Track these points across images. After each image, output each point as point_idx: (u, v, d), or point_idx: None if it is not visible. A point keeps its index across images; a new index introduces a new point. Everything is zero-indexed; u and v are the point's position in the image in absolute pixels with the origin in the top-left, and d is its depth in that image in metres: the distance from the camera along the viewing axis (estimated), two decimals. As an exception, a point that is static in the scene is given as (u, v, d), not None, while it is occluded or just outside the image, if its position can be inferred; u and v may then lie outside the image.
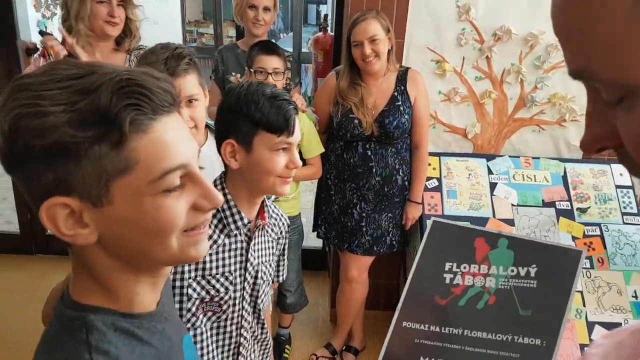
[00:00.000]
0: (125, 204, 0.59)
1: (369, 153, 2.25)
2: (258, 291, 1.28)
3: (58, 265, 3.17)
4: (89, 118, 0.55)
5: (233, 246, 1.21)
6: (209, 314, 1.21)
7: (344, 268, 2.43)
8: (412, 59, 2.42)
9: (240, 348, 1.28)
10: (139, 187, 0.59)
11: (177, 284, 1.15)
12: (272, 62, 2.09)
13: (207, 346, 1.23)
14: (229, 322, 1.25)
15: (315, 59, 3.49)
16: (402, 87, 2.24)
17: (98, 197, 0.58)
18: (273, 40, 2.45)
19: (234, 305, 1.23)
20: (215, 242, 1.18)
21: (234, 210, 1.19)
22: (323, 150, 2.30)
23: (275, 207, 1.37)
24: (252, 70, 2.12)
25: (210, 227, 1.17)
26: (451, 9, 2.35)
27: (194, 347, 0.88)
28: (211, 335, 1.24)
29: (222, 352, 1.27)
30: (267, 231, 1.30)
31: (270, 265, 1.32)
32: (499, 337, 0.76)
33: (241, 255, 1.22)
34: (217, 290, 1.19)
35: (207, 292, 1.18)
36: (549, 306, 0.75)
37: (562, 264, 0.78)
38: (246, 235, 1.23)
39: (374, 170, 2.27)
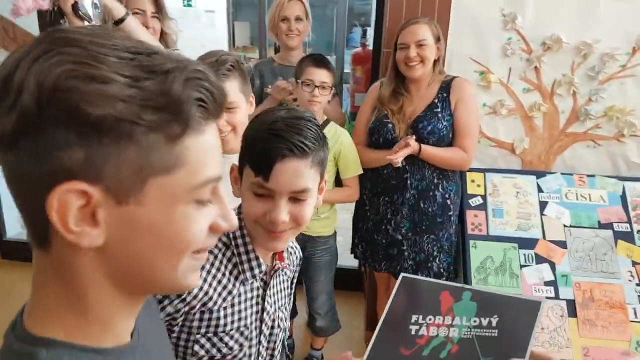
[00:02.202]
0: (157, 207, 0.50)
1: (404, 163, 2.14)
2: (275, 342, 1.12)
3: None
4: (155, 100, 0.47)
5: (249, 295, 1.02)
6: None
7: None
8: (454, 70, 2.31)
9: None
10: (178, 190, 0.51)
11: (183, 336, 0.98)
12: (321, 76, 2.05)
13: None
14: None
15: (353, 74, 3.43)
16: (445, 95, 2.12)
17: (128, 192, 0.49)
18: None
19: None
20: (230, 292, 0.99)
21: (252, 255, 1.00)
22: (361, 171, 2.19)
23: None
24: (299, 81, 2.08)
25: (225, 274, 1.00)
26: (496, 18, 2.24)
27: None
28: None
29: None
30: (283, 271, 1.11)
31: (286, 309, 1.14)
32: None
33: (257, 304, 1.04)
34: (231, 348, 1.01)
35: (219, 350, 1.00)
36: (510, 353, 0.78)
37: (522, 314, 0.83)
38: (262, 280, 1.04)
39: (409, 182, 2.15)
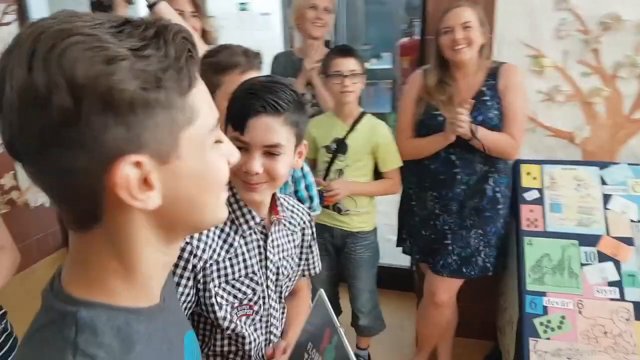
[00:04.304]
0: (193, 157, 0.57)
1: (453, 157, 2.03)
2: (281, 287, 1.22)
3: None
4: (161, 64, 0.51)
5: (250, 246, 1.14)
6: (243, 318, 1.15)
7: (431, 290, 2.19)
8: (504, 55, 2.18)
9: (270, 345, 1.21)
10: (202, 137, 0.57)
11: (207, 294, 1.09)
12: (349, 64, 1.99)
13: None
14: (259, 324, 1.19)
15: (400, 65, 3.32)
16: (493, 82, 2.00)
17: (167, 152, 0.54)
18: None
19: (264, 304, 1.18)
20: (231, 245, 1.11)
21: (245, 210, 1.12)
22: (401, 164, 2.12)
23: (291, 199, 1.28)
24: (328, 74, 2.04)
25: (224, 229, 1.12)
26: (547, -2, 2.09)
27: (194, 346, 0.81)
28: (253, 339, 1.18)
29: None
30: (284, 225, 1.22)
31: (292, 259, 1.24)
32: None
33: (260, 254, 1.15)
34: (244, 293, 1.13)
35: (235, 297, 1.12)
36: None
37: None
38: (262, 233, 1.16)
39: (459, 177, 2.04)
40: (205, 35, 2.17)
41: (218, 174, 0.61)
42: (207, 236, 1.09)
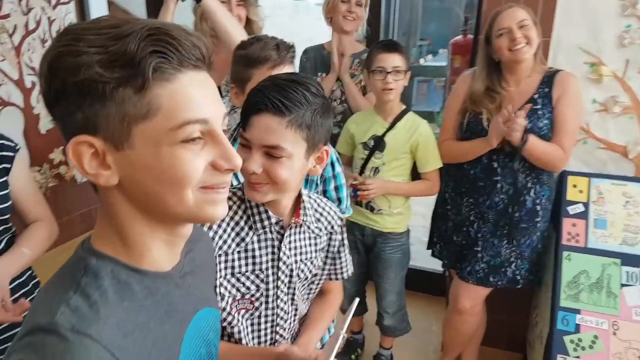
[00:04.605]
0: (145, 150, 0.61)
1: (495, 165, 1.96)
2: (294, 288, 1.17)
3: None
4: (116, 61, 0.58)
5: (263, 244, 1.12)
6: (242, 311, 1.14)
7: (454, 296, 2.14)
8: (559, 61, 2.09)
9: (276, 344, 1.18)
10: (158, 133, 0.61)
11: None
12: (393, 60, 1.94)
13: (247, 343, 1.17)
14: (262, 320, 1.16)
15: (451, 64, 3.21)
16: (547, 90, 1.90)
17: (120, 139, 0.61)
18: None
19: (267, 302, 1.15)
20: (243, 239, 1.10)
21: (261, 209, 1.10)
22: (441, 165, 2.06)
23: (324, 200, 1.24)
24: (371, 70, 1.99)
25: (239, 223, 1.11)
26: (612, 3, 1.98)
27: (208, 321, 0.83)
28: (247, 334, 1.16)
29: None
30: (307, 227, 1.18)
31: (311, 263, 1.20)
32: None
33: (273, 253, 1.13)
34: (248, 288, 1.12)
35: (238, 290, 1.11)
36: None
37: None
38: (278, 233, 1.13)
39: (499, 186, 1.97)
40: (250, 24, 2.14)
41: (178, 172, 0.62)
42: (219, 226, 1.08)
